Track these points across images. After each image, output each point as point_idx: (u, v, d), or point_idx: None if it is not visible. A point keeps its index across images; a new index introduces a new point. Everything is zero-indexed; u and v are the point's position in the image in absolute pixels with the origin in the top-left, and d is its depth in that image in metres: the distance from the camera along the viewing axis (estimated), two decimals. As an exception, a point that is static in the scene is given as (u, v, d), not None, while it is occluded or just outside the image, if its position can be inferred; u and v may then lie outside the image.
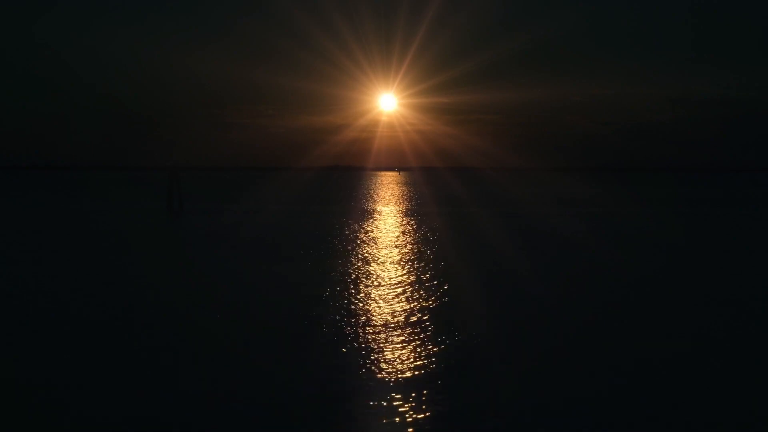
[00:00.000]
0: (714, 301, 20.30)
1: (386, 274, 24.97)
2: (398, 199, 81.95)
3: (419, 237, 37.79)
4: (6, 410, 11.28)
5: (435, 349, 14.84)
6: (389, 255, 30.11)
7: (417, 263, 27.54)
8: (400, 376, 13.03)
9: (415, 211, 60.80)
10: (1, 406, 11.46)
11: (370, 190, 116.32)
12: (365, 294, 21.11)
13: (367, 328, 16.77)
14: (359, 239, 36.64)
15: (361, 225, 45.72)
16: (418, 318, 17.81)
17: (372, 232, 41.07)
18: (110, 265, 27.17)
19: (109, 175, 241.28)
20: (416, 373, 13.21)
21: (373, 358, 14.22)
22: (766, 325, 17.69)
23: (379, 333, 16.26)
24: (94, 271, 25.82)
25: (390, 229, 43.15)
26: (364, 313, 18.36)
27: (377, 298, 20.41)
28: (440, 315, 18.18)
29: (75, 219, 52.68)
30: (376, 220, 50.38)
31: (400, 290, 21.71)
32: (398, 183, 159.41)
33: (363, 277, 24.11)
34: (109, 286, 22.55)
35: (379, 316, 17.99)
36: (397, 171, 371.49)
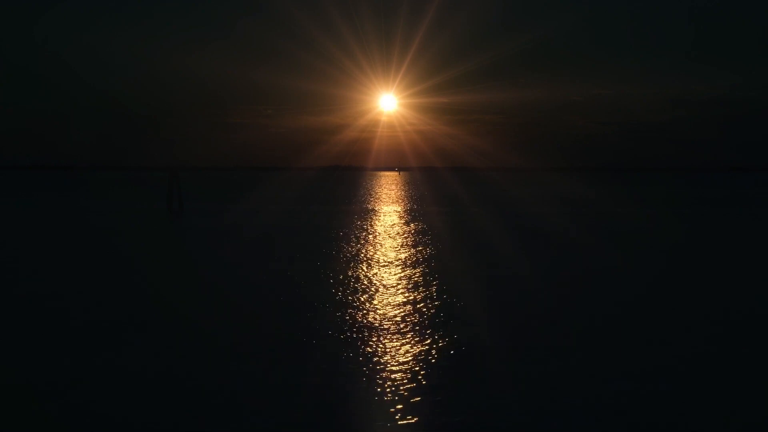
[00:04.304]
0: (715, 302, 20.28)
1: (386, 274, 24.96)
2: (398, 199, 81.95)
3: (419, 237, 37.78)
4: (6, 411, 11.28)
5: (436, 351, 14.84)
6: (389, 255, 30.10)
7: (417, 263, 27.53)
8: (400, 376, 13.02)
9: (415, 211, 60.78)
10: (1, 407, 11.46)
11: (370, 190, 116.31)
12: (365, 294, 21.10)
13: (368, 327, 16.76)
14: (359, 239, 36.63)
15: (361, 225, 45.71)
16: (418, 319, 17.80)
17: (372, 232, 41.06)
18: (110, 266, 27.15)
19: (109, 175, 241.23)
20: (416, 374, 13.20)
21: (373, 358, 14.21)
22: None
23: (379, 333, 16.25)
24: (94, 271, 25.81)
25: (390, 229, 43.14)
26: (364, 313, 18.36)
27: (377, 298, 20.40)
28: (441, 315, 18.17)
29: (75, 219, 52.67)
30: (376, 220, 50.38)
31: (400, 290, 21.70)
32: (398, 183, 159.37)
33: (363, 277, 24.11)
34: (108, 286, 22.54)
35: (380, 316, 17.99)
36: (397, 171, 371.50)
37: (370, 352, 14.68)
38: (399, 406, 11.44)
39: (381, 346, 15.15)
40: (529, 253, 30.94)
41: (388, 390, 12.23)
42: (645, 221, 50.59)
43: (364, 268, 26.18)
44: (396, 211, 59.76)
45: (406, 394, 12.04)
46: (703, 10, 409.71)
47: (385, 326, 16.92)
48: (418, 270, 25.79)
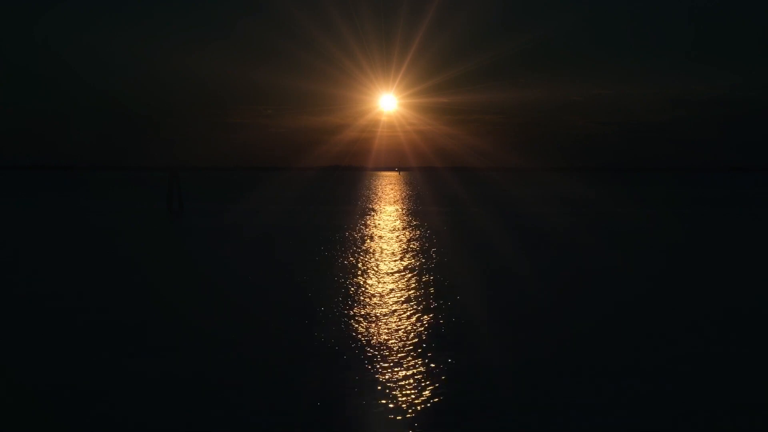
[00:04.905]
0: (715, 301, 20.28)
1: (386, 273, 24.95)
2: (398, 199, 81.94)
3: (419, 237, 37.78)
4: (6, 411, 11.28)
5: (435, 350, 14.84)
6: (389, 255, 30.09)
7: (417, 263, 27.52)
8: (400, 375, 13.03)
9: (415, 211, 60.79)
10: (1, 407, 11.47)
11: (371, 190, 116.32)
12: (365, 294, 21.09)
13: (367, 327, 16.77)
14: (359, 239, 36.63)
15: (361, 225, 45.70)
16: (418, 319, 17.80)
17: (372, 232, 41.05)
18: (110, 266, 27.15)
19: (109, 175, 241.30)
20: (416, 373, 13.21)
21: (372, 357, 14.21)
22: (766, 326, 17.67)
23: (379, 333, 16.25)
24: (94, 271, 25.81)
25: (390, 228, 43.13)
26: (364, 313, 18.35)
27: (377, 298, 20.40)
28: (441, 315, 18.17)
29: (75, 219, 52.67)
30: (376, 220, 50.37)
31: (399, 290, 21.70)
32: (398, 183, 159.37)
33: (363, 277, 24.10)
34: (109, 287, 22.53)
35: (380, 316, 17.98)
36: (397, 171, 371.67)
37: (370, 351, 14.68)
38: (399, 405, 11.44)
39: (381, 345, 15.15)
40: (529, 253, 30.94)
41: (387, 389, 12.23)
42: (645, 221, 50.59)
43: (364, 268, 26.17)
44: (396, 211, 59.76)
45: (405, 393, 12.04)
46: (703, 10, 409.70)
47: (385, 325, 16.92)
48: (418, 270, 25.77)
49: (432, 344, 15.27)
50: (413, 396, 11.92)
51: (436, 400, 11.76)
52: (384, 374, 13.11)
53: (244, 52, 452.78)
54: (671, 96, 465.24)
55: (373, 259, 28.67)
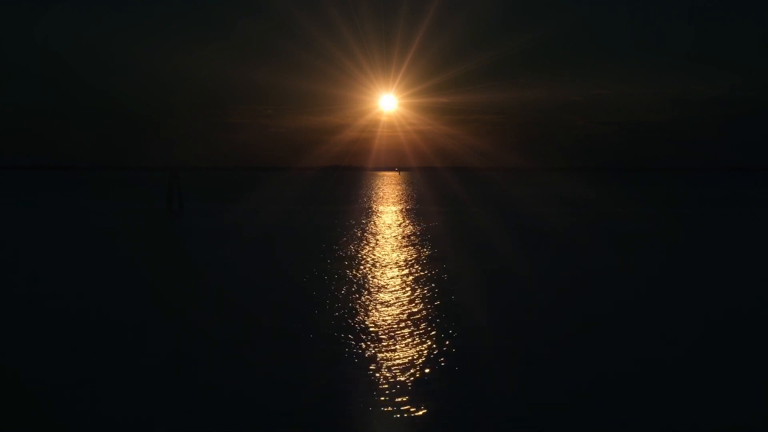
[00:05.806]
0: (715, 301, 20.28)
1: (386, 273, 24.97)
2: (398, 199, 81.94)
3: (419, 237, 37.78)
4: (6, 411, 11.28)
5: (436, 350, 14.85)
6: (389, 255, 30.10)
7: (417, 263, 27.54)
8: (400, 376, 13.04)
9: (415, 211, 60.79)
10: (2, 406, 11.47)
11: (370, 190, 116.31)
12: (365, 293, 21.10)
13: (368, 327, 16.78)
14: (359, 239, 36.63)
15: (361, 225, 45.71)
16: (418, 319, 17.81)
17: (372, 231, 41.06)
18: (110, 266, 27.15)
19: (109, 175, 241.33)
20: (417, 373, 13.22)
21: (373, 357, 14.22)
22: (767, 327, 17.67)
23: (379, 333, 16.26)
24: (94, 271, 25.81)
25: (390, 228, 43.14)
26: (364, 313, 18.36)
27: (377, 298, 20.41)
28: (441, 315, 18.17)
29: (75, 219, 52.67)
30: (376, 220, 50.37)
31: (400, 290, 21.71)
32: (398, 183, 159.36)
33: (363, 277, 24.11)
34: (109, 287, 22.54)
35: (380, 316, 17.99)
36: (397, 171, 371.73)
37: (370, 352, 14.69)
38: (399, 406, 11.44)
39: (381, 345, 15.15)
40: (529, 253, 30.94)
41: (388, 390, 12.24)
42: (645, 221, 50.59)
43: (364, 268, 26.18)
44: (396, 211, 59.76)
45: (406, 393, 12.05)
46: (703, 10, 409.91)
47: (386, 326, 16.93)
48: (418, 270, 25.79)
49: (432, 344, 15.28)
50: (413, 395, 11.93)
51: (436, 400, 11.77)
52: (384, 374, 13.12)
53: (244, 52, 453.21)
54: (671, 96, 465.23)
55: (372, 259, 28.67)
